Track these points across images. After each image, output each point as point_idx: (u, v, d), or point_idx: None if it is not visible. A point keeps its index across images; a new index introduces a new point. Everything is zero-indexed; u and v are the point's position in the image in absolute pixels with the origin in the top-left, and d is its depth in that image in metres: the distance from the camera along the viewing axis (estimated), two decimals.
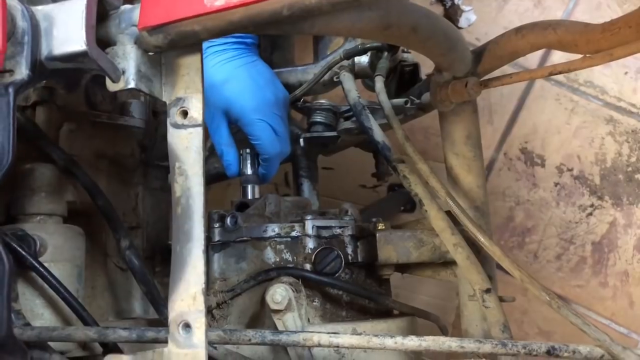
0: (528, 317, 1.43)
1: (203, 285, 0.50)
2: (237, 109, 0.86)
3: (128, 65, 0.51)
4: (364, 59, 0.90)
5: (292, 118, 1.08)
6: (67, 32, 0.48)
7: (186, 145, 0.52)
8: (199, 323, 0.49)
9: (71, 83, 0.75)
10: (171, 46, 0.51)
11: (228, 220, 0.74)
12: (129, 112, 0.81)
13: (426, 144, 1.48)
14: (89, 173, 0.72)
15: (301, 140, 1.02)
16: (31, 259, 0.61)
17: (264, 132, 0.87)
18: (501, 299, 0.71)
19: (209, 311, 0.73)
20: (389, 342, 0.59)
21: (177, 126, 0.52)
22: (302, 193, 1.06)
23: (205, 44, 0.86)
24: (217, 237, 0.76)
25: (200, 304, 0.49)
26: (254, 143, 0.88)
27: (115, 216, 0.70)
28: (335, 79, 0.92)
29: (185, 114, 0.52)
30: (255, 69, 0.89)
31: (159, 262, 0.87)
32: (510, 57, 0.72)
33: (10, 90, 0.47)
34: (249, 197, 0.88)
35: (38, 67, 0.49)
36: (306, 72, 0.99)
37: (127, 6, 0.52)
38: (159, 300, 0.69)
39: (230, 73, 0.86)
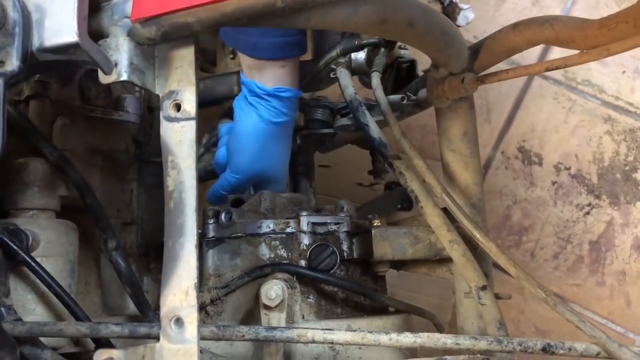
0: (525, 317, 1.43)
1: (195, 280, 0.49)
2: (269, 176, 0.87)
3: (121, 57, 0.50)
4: (360, 56, 0.90)
5: None
6: (59, 23, 0.48)
7: (179, 139, 0.52)
8: (191, 318, 0.49)
9: (65, 77, 0.74)
10: (164, 38, 0.51)
11: (222, 216, 0.74)
12: (124, 107, 0.80)
13: (423, 142, 1.47)
14: (82, 169, 0.72)
15: (298, 137, 1.02)
16: (23, 254, 0.60)
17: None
18: (497, 297, 0.71)
19: (203, 308, 0.72)
20: (384, 338, 0.59)
21: (170, 119, 0.52)
22: (299, 190, 1.06)
23: (253, 92, 0.82)
24: (211, 233, 0.75)
25: (193, 299, 0.49)
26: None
27: (104, 215, 0.70)
28: (332, 76, 0.92)
29: (178, 107, 0.52)
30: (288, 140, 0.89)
31: (154, 259, 0.87)
32: (508, 53, 0.72)
33: (0, 81, 0.46)
34: (245, 193, 0.88)
35: (29, 58, 0.48)
36: (303, 69, 0.99)
37: None
38: (144, 303, 0.68)
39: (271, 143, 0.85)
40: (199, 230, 0.77)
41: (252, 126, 0.82)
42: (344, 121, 0.95)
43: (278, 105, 0.82)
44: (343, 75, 0.88)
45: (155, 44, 0.52)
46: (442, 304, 1.38)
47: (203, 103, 0.89)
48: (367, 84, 0.92)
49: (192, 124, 0.52)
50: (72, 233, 0.69)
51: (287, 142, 0.88)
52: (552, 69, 0.62)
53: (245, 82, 0.83)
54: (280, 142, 0.86)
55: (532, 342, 0.60)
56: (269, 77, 0.80)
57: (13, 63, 0.47)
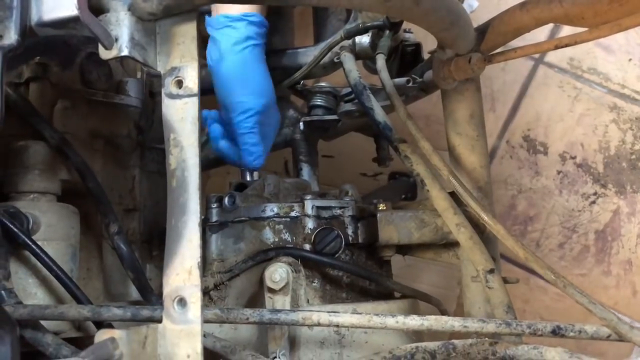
0: (530, 307, 1.42)
1: (199, 259, 0.48)
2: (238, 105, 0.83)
3: (121, 33, 0.49)
4: (365, 39, 0.88)
5: (292, 102, 1.06)
6: None
7: (181, 116, 0.51)
8: (195, 298, 0.48)
9: (66, 60, 0.73)
10: (166, 13, 0.50)
11: (226, 200, 0.73)
12: (125, 91, 0.79)
13: (428, 131, 1.46)
14: (83, 153, 0.71)
15: (301, 124, 1.00)
16: (24, 236, 0.60)
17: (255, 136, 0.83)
18: (505, 281, 0.70)
19: (206, 293, 0.71)
20: (391, 321, 0.58)
21: (172, 96, 0.51)
22: (302, 177, 1.05)
23: (221, 23, 0.83)
24: (214, 218, 0.74)
25: (196, 279, 0.48)
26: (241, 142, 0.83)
27: (106, 199, 0.69)
28: (335, 60, 0.90)
29: (180, 83, 0.51)
30: (265, 65, 0.86)
31: (156, 246, 0.86)
32: (515, 33, 0.71)
33: None
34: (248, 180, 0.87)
35: (28, 32, 0.47)
36: (306, 55, 0.97)
37: None
38: (147, 288, 0.67)
39: (249, 68, 0.82)
40: (202, 217, 0.77)
41: (227, 52, 0.80)
42: (348, 107, 0.93)
43: (244, 29, 0.81)
44: (347, 59, 0.87)
45: (156, 19, 0.51)
46: (446, 294, 1.37)
47: (205, 91, 0.87)
48: (372, 69, 0.91)
49: (195, 101, 0.51)
50: (74, 217, 0.68)
51: (265, 66, 0.86)
52: (562, 47, 0.61)
53: (209, 20, 0.81)
54: (261, 64, 0.84)
55: (542, 324, 0.59)
56: (236, 8, 0.80)
57: (11, 37, 0.46)
